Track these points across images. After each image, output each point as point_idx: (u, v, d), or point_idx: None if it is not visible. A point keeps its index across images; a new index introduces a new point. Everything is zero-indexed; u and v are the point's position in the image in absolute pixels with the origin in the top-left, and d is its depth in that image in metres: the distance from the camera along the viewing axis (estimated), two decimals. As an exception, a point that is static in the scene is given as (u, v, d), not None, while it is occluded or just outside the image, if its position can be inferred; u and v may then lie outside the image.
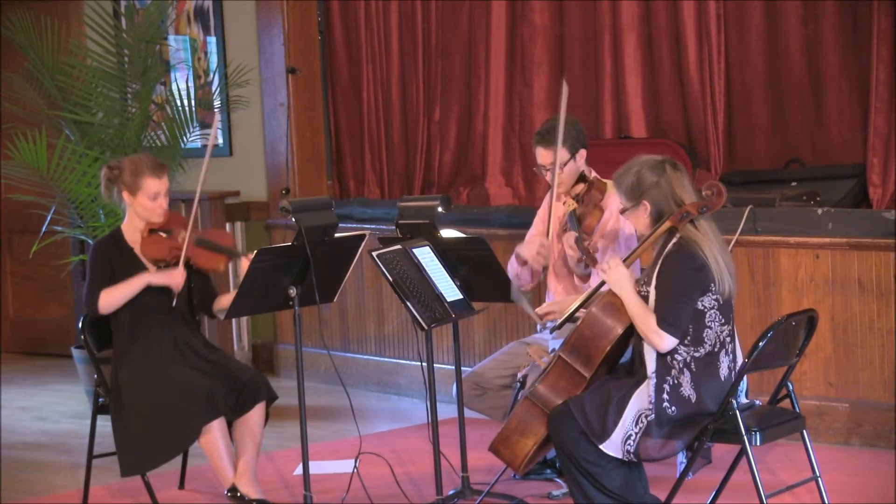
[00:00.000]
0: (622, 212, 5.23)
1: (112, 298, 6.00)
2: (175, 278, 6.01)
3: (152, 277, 6.02)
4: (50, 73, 8.17)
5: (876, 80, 7.17)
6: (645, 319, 5.03)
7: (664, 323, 5.00)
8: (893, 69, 7.14)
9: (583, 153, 6.18)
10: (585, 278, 6.06)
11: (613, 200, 6.07)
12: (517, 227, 7.82)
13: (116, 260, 6.08)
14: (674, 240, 5.09)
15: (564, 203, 6.17)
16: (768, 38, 7.80)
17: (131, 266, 6.07)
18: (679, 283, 5.03)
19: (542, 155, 6.18)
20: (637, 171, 5.13)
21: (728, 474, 5.47)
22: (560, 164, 6.11)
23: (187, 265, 6.06)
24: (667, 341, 5.00)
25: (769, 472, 6.13)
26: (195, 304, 6.18)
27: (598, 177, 6.16)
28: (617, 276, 5.10)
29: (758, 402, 5.34)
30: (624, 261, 5.18)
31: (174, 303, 6.02)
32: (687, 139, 7.98)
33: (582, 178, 6.14)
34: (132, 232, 6.13)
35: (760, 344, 5.03)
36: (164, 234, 6.09)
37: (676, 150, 7.70)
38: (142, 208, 6.07)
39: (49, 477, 7.04)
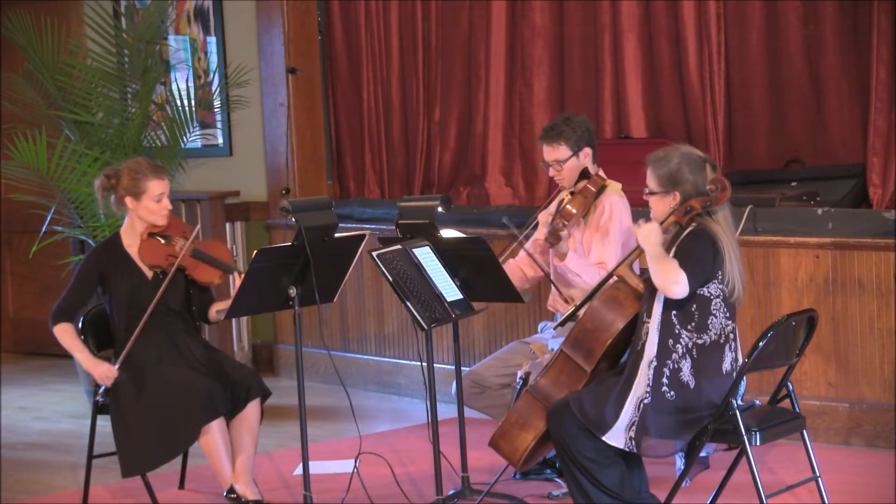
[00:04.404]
0: (650, 194, 5.22)
1: (62, 339, 6.05)
2: (105, 375, 5.98)
3: (88, 365, 6.01)
4: (50, 73, 8.17)
5: (876, 80, 7.18)
6: (666, 262, 5.01)
7: (684, 268, 4.99)
8: (893, 69, 7.14)
9: (587, 151, 6.21)
10: (562, 256, 6.08)
11: (608, 198, 6.15)
12: (517, 227, 7.81)
13: (110, 266, 6.08)
14: (692, 227, 5.13)
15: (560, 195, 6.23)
16: (768, 38, 7.80)
17: (126, 271, 6.07)
18: (697, 251, 5.07)
19: (545, 151, 6.24)
20: (678, 164, 5.16)
21: (728, 474, 5.47)
22: (561, 160, 6.16)
23: (182, 273, 6.05)
24: (681, 285, 4.97)
25: (769, 472, 6.13)
26: (193, 311, 6.19)
27: (602, 175, 6.19)
28: (647, 231, 5.11)
29: (758, 402, 5.34)
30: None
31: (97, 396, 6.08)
32: (687, 139, 7.98)
33: (584, 174, 6.17)
34: (131, 236, 6.12)
35: (760, 344, 5.03)
36: (161, 240, 6.08)
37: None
38: (146, 211, 6.06)
39: (49, 477, 7.04)
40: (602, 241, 6.10)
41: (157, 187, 6.05)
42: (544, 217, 6.25)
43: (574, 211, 6.06)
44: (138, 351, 6.03)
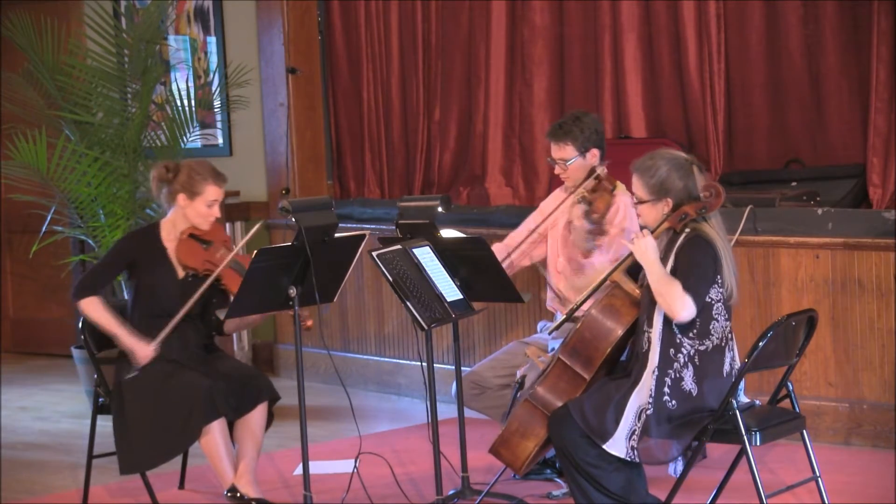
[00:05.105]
0: (639, 202, 5.21)
1: (93, 314, 6.01)
2: (146, 355, 5.96)
3: (130, 342, 5.95)
4: (50, 73, 8.17)
5: (876, 80, 7.17)
6: (670, 287, 4.99)
7: (689, 290, 4.98)
8: (893, 69, 7.14)
9: (594, 152, 6.21)
10: (588, 253, 6.07)
11: (620, 197, 6.15)
12: (517, 227, 7.82)
13: (144, 254, 6.06)
14: (686, 232, 5.11)
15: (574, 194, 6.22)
16: (768, 38, 7.80)
17: (158, 264, 6.05)
18: (700, 263, 5.04)
19: (552, 148, 6.25)
20: (667, 171, 5.13)
21: (728, 474, 5.47)
22: (566, 159, 6.17)
23: (216, 282, 6.03)
24: (688, 309, 4.98)
25: (769, 472, 6.13)
26: (212, 320, 6.18)
27: (610, 175, 6.19)
28: (643, 245, 5.08)
29: (758, 402, 5.34)
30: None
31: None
32: (687, 139, 7.99)
33: (595, 175, 6.15)
34: (171, 232, 6.10)
35: (760, 344, 5.03)
36: (202, 245, 6.06)
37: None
38: (195, 213, 6.05)
39: (49, 477, 7.04)
40: (619, 238, 6.08)
41: (213, 193, 6.04)
42: (577, 212, 6.16)
43: (603, 207, 6.05)
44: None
